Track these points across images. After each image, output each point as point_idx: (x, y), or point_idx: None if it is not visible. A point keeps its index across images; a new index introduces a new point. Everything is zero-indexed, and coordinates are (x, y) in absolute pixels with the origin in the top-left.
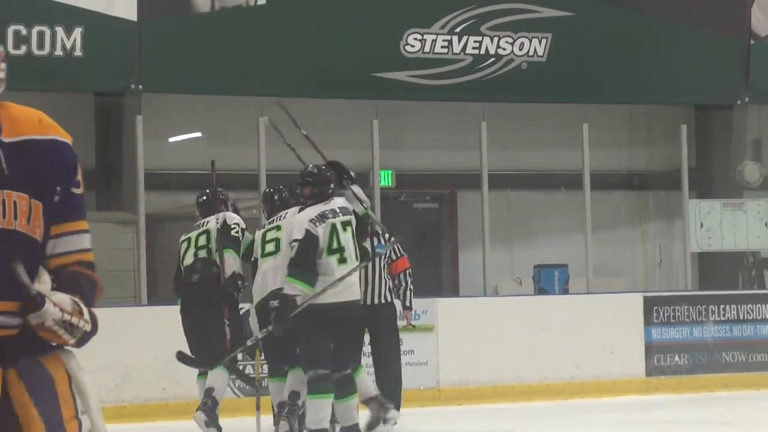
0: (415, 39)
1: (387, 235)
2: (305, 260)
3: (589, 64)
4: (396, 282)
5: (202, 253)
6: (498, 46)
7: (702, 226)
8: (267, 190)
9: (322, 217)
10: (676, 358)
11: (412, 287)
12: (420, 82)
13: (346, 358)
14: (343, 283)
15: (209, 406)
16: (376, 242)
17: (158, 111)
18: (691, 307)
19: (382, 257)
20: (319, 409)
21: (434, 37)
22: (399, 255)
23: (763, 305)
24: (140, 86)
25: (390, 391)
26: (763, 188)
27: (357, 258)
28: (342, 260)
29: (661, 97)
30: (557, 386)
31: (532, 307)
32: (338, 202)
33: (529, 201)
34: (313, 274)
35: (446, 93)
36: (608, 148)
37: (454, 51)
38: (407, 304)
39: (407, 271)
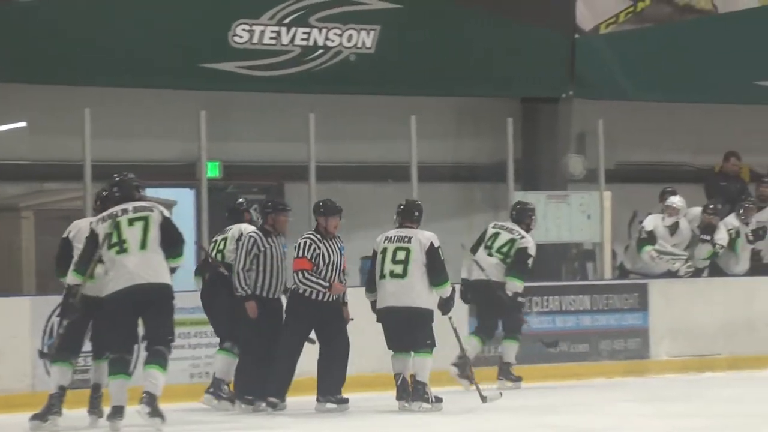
0: (244, 30)
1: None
2: (81, 254)
3: (417, 56)
4: None
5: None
6: (326, 38)
7: None
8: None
9: (109, 216)
10: (500, 348)
11: None
12: (248, 73)
13: (159, 335)
14: (122, 272)
15: (216, 386)
16: None
17: None
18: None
19: None
20: (117, 388)
21: (263, 28)
22: None
23: (586, 296)
24: None
25: None
26: (587, 181)
27: (144, 248)
28: (122, 250)
29: (488, 90)
30: (388, 377)
31: (358, 298)
32: (138, 203)
33: (357, 193)
34: (78, 266)
35: (275, 84)
36: (436, 140)
37: (283, 42)
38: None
39: None
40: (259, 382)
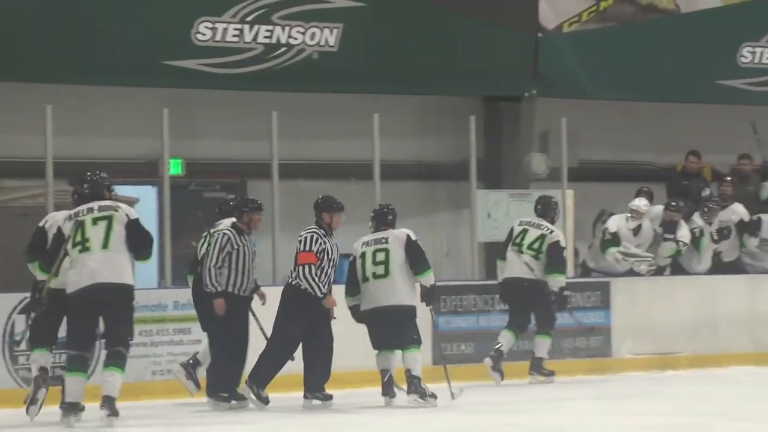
0: (206, 27)
1: None
2: (47, 252)
3: (380, 54)
4: None
5: None
6: (289, 36)
7: (489, 216)
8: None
9: (74, 215)
10: (463, 346)
11: None
12: (211, 70)
13: (118, 335)
14: (84, 270)
15: (191, 365)
16: None
17: None
18: (477, 297)
19: None
20: (73, 385)
21: (225, 25)
22: None
23: None
24: None
25: None
26: (550, 179)
27: (106, 247)
28: (84, 249)
29: (451, 89)
30: (347, 375)
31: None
32: (105, 202)
33: (319, 191)
34: (45, 263)
35: (238, 82)
36: (399, 139)
37: (246, 40)
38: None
39: None
40: (231, 378)
